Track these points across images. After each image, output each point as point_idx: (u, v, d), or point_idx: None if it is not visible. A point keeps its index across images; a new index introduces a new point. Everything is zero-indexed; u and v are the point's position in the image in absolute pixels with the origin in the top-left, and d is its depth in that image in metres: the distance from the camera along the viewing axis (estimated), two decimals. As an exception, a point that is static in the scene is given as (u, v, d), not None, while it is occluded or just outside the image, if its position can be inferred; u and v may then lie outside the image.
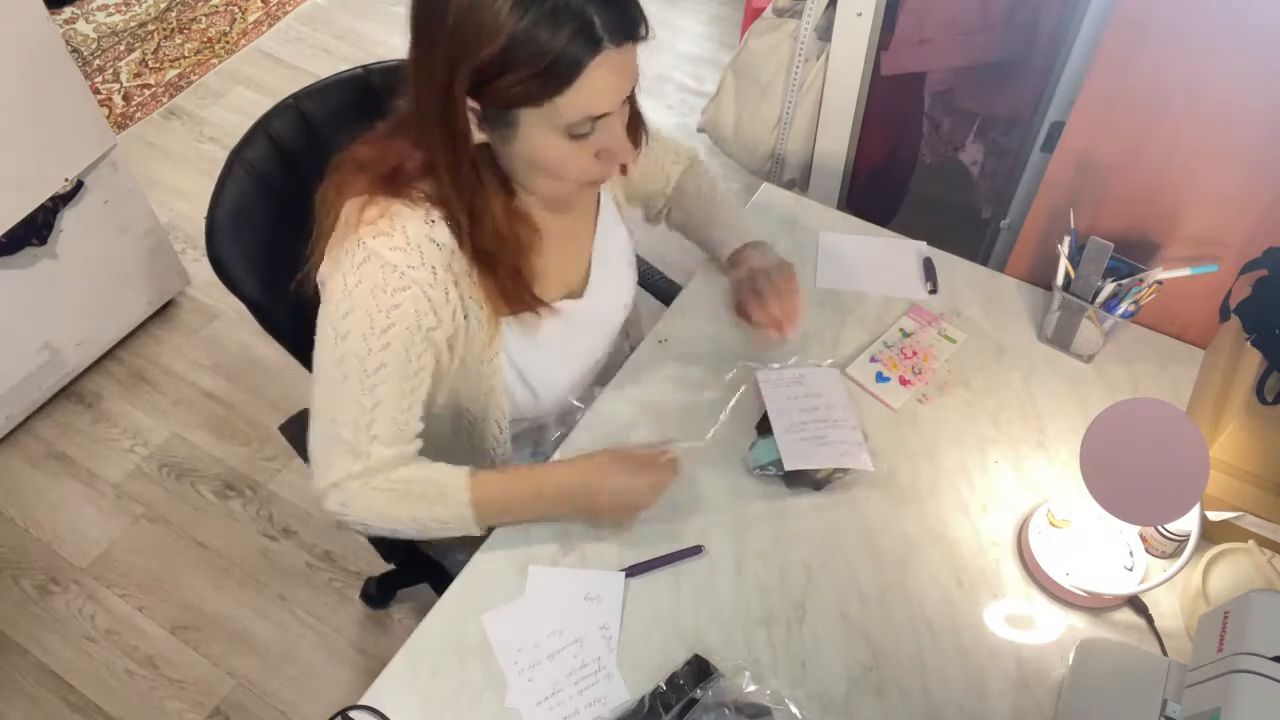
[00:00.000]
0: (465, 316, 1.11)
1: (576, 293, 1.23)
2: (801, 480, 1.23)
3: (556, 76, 0.92)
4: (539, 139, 0.98)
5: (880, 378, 1.35)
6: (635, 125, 1.10)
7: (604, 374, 1.38)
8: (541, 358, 1.21)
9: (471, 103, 0.96)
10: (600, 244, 1.25)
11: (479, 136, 1.00)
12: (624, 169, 1.06)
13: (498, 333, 1.14)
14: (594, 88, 0.94)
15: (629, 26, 0.94)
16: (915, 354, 1.38)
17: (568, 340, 1.24)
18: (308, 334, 1.30)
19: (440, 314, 1.07)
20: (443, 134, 0.99)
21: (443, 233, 1.06)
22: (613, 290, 1.29)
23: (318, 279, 1.09)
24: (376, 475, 1.09)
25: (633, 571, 1.16)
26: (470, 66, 0.92)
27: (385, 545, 1.40)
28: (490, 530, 1.19)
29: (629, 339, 1.47)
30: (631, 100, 1.05)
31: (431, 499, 1.10)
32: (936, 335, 1.40)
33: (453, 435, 1.25)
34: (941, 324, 1.41)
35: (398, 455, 1.10)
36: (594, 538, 1.19)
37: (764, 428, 1.27)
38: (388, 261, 1.03)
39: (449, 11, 0.92)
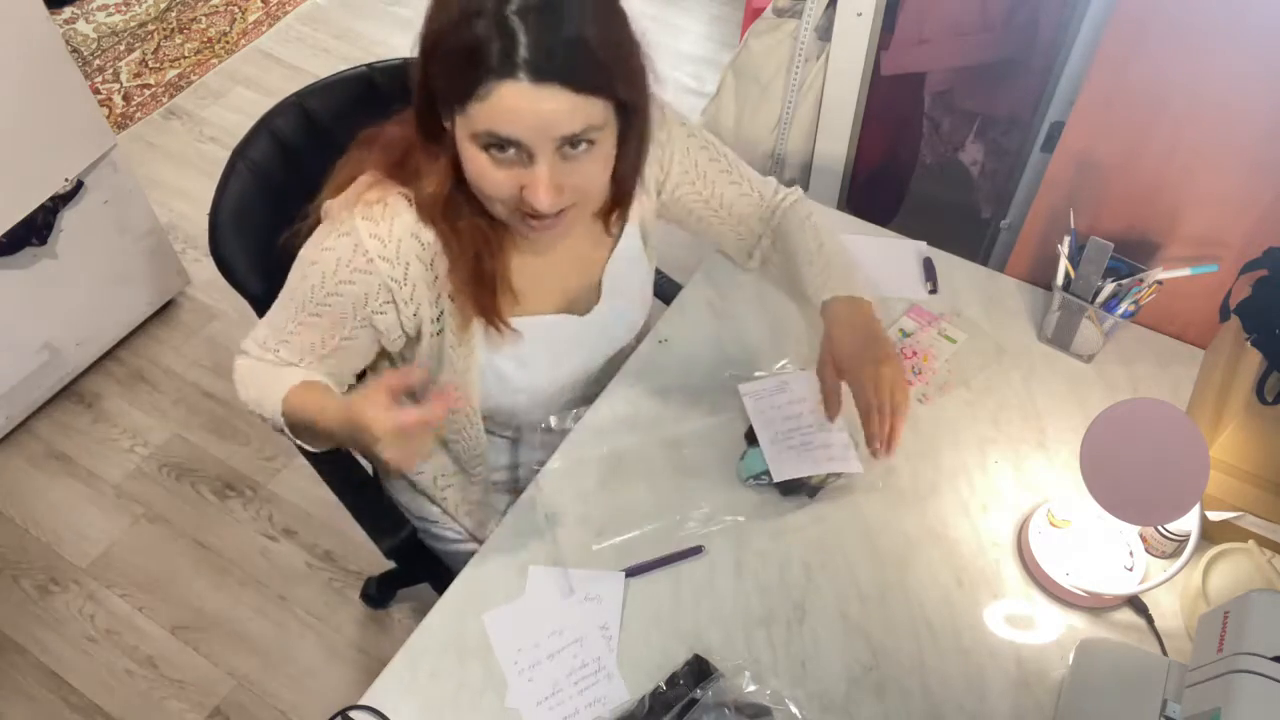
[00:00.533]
0: (441, 313, 1.13)
1: (580, 310, 1.23)
2: (795, 488, 1.23)
3: (467, 75, 0.93)
4: (462, 144, 0.99)
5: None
6: (625, 182, 1.11)
7: (596, 390, 1.37)
8: (523, 366, 1.21)
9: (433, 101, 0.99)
10: (613, 270, 1.24)
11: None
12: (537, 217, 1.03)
13: (470, 332, 1.15)
14: (502, 108, 0.92)
15: (558, 70, 0.91)
16: (915, 354, 1.38)
17: (557, 353, 1.23)
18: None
19: (401, 307, 1.10)
20: (421, 129, 1.03)
21: (428, 234, 1.08)
22: (621, 317, 1.29)
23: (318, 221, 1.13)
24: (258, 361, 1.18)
25: (633, 571, 1.16)
26: (421, 54, 0.97)
27: (387, 543, 1.39)
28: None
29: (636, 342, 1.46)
30: (620, 163, 1.05)
31: (265, 384, 1.15)
32: (936, 335, 1.40)
33: None
34: (941, 324, 1.41)
35: (282, 361, 1.16)
36: (594, 537, 1.19)
37: (752, 437, 1.27)
38: (361, 244, 1.06)
39: (428, 14, 0.96)
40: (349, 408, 1.01)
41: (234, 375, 1.20)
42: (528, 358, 1.20)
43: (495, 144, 0.96)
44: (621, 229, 1.23)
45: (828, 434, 1.25)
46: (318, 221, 1.12)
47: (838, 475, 1.23)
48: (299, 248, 1.13)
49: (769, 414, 1.28)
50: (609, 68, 0.95)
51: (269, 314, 1.17)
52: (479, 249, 1.09)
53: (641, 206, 1.24)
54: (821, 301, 1.24)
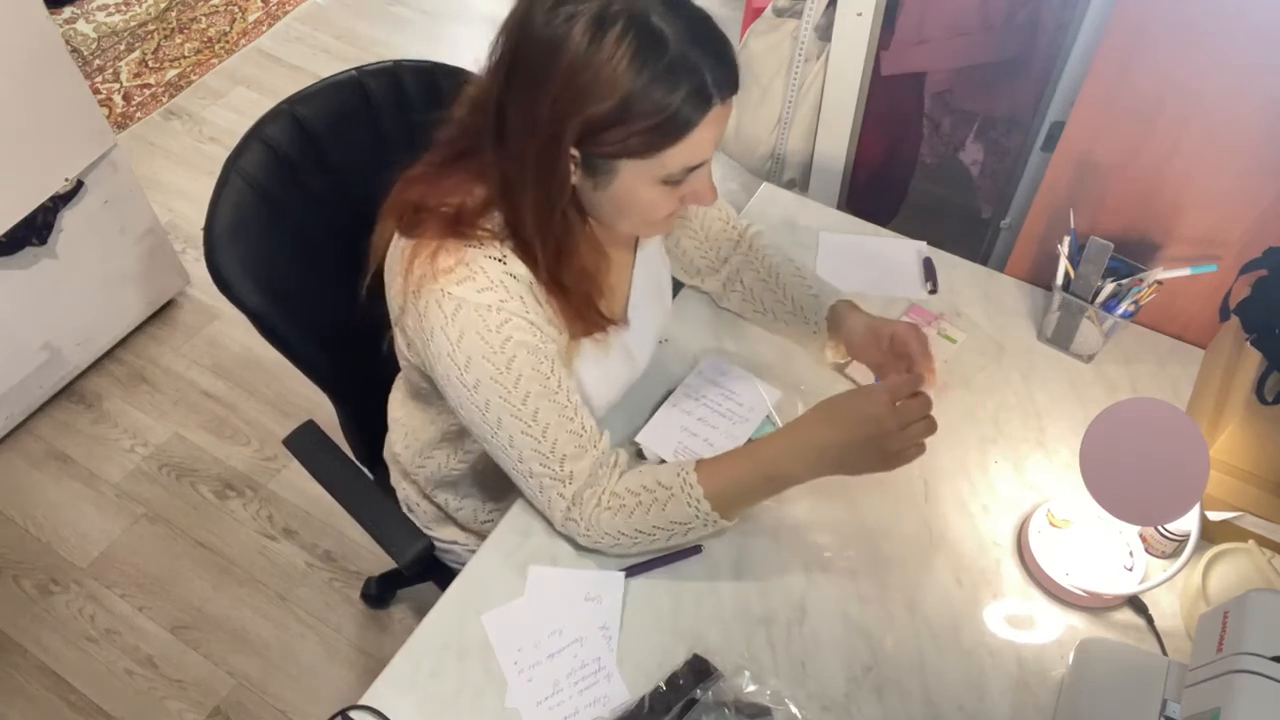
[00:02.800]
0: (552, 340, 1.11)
1: (622, 317, 1.23)
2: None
3: (669, 133, 0.94)
4: (636, 187, 0.99)
5: (878, 379, 1.34)
6: None
7: (636, 397, 1.35)
8: (604, 378, 1.21)
9: (573, 150, 0.96)
10: (640, 272, 1.24)
11: (574, 179, 0.99)
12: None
13: (573, 357, 1.14)
14: (700, 141, 0.96)
15: (734, 80, 0.95)
16: (915, 354, 1.37)
17: (618, 361, 1.23)
18: (308, 342, 1.30)
19: (545, 332, 1.06)
20: (540, 179, 0.98)
21: (517, 266, 1.04)
22: (652, 315, 1.29)
23: (400, 328, 1.10)
24: (598, 493, 1.09)
25: (632, 571, 1.16)
26: (581, 119, 0.92)
27: (407, 559, 1.37)
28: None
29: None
30: None
31: (662, 502, 1.08)
32: (936, 335, 1.40)
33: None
34: (941, 324, 1.41)
35: (596, 460, 1.08)
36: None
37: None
38: (480, 303, 1.02)
39: (560, 61, 0.90)
40: (829, 414, 1.03)
41: (595, 543, 1.11)
42: (606, 372, 1.20)
43: (677, 176, 0.98)
44: None
45: (714, 438, 1.24)
46: (401, 312, 1.09)
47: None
48: (387, 344, 1.12)
49: (698, 390, 1.29)
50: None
51: (517, 461, 1.07)
52: (588, 272, 1.08)
53: None
54: (829, 306, 1.30)
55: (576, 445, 1.07)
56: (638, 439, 1.25)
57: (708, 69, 0.92)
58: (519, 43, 0.94)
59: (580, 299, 1.09)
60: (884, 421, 1.01)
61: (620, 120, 0.92)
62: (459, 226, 1.03)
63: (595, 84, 0.90)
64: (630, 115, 0.92)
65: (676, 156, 0.96)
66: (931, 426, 1.03)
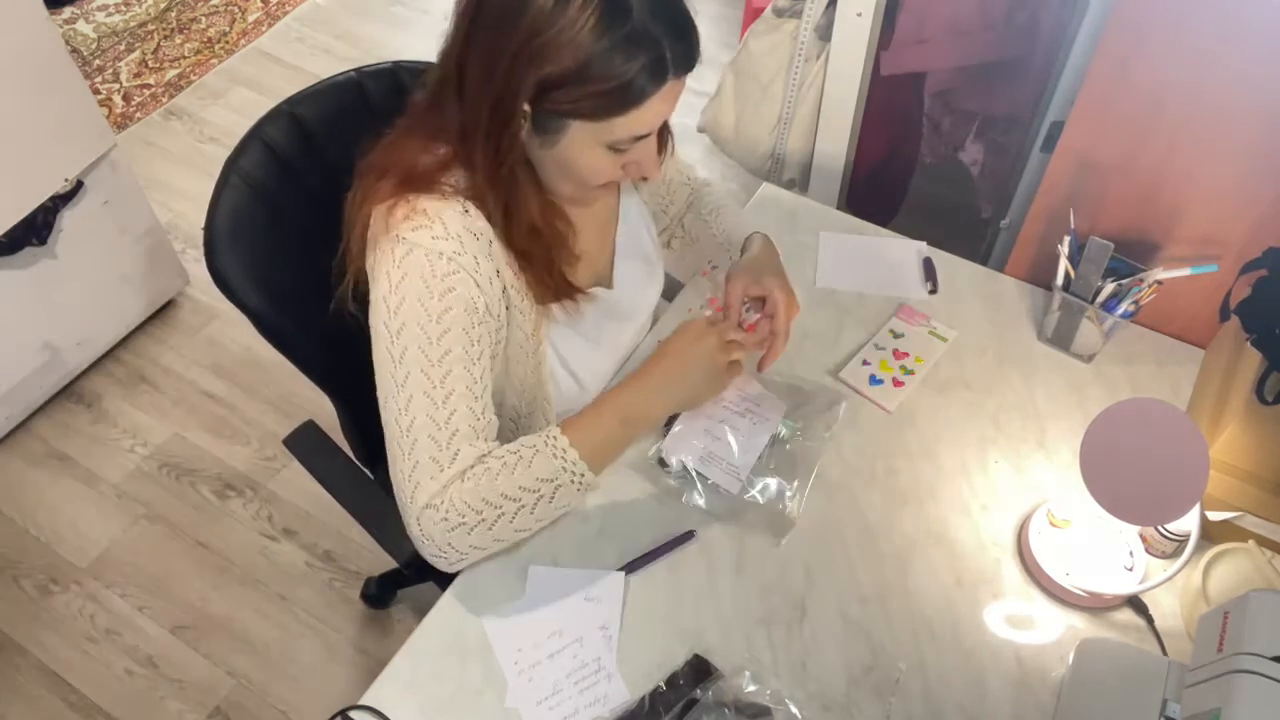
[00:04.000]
0: (507, 307, 1.11)
1: (606, 282, 1.25)
2: (668, 469, 1.23)
3: (622, 101, 0.96)
4: (582, 149, 1.01)
5: (873, 380, 1.34)
6: (663, 134, 1.14)
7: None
8: (583, 345, 1.22)
9: (525, 106, 0.97)
10: (623, 233, 1.26)
11: (524, 132, 1.00)
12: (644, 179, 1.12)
13: (542, 320, 1.15)
14: (650, 113, 0.98)
15: (692, 59, 0.98)
16: (907, 354, 1.37)
17: (604, 328, 1.25)
18: (309, 342, 1.30)
19: (490, 300, 1.06)
20: (490, 132, 0.99)
21: (479, 223, 1.05)
22: (640, 280, 1.30)
23: (363, 291, 1.09)
24: (465, 474, 1.03)
25: (631, 567, 1.16)
26: (538, 76, 0.94)
27: (405, 554, 1.36)
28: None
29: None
30: None
31: (528, 459, 1.03)
32: (927, 334, 1.40)
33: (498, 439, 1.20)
34: (931, 322, 1.41)
35: (482, 453, 1.04)
36: (594, 535, 1.19)
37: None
38: (432, 249, 1.02)
39: (524, 17, 0.92)
40: (664, 350, 1.12)
41: (448, 526, 1.01)
42: (587, 335, 1.21)
43: (624, 144, 1.00)
44: (619, 186, 1.26)
45: (736, 442, 1.24)
46: (354, 278, 1.09)
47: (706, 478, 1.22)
48: (350, 314, 1.09)
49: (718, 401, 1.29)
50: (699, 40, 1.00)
51: (406, 426, 1.00)
52: (539, 233, 1.09)
53: None
54: (746, 236, 1.34)
55: (471, 427, 1.02)
56: (662, 447, 1.24)
57: (668, 44, 0.94)
58: None
59: (539, 262, 1.10)
60: (705, 337, 1.12)
61: (576, 81, 0.94)
62: (419, 181, 1.04)
63: (556, 44, 0.92)
64: (586, 78, 0.93)
65: (625, 125, 0.98)
66: (745, 344, 1.16)
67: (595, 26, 0.91)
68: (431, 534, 1.02)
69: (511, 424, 1.25)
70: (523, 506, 1.04)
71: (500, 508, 1.03)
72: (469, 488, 1.02)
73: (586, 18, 0.91)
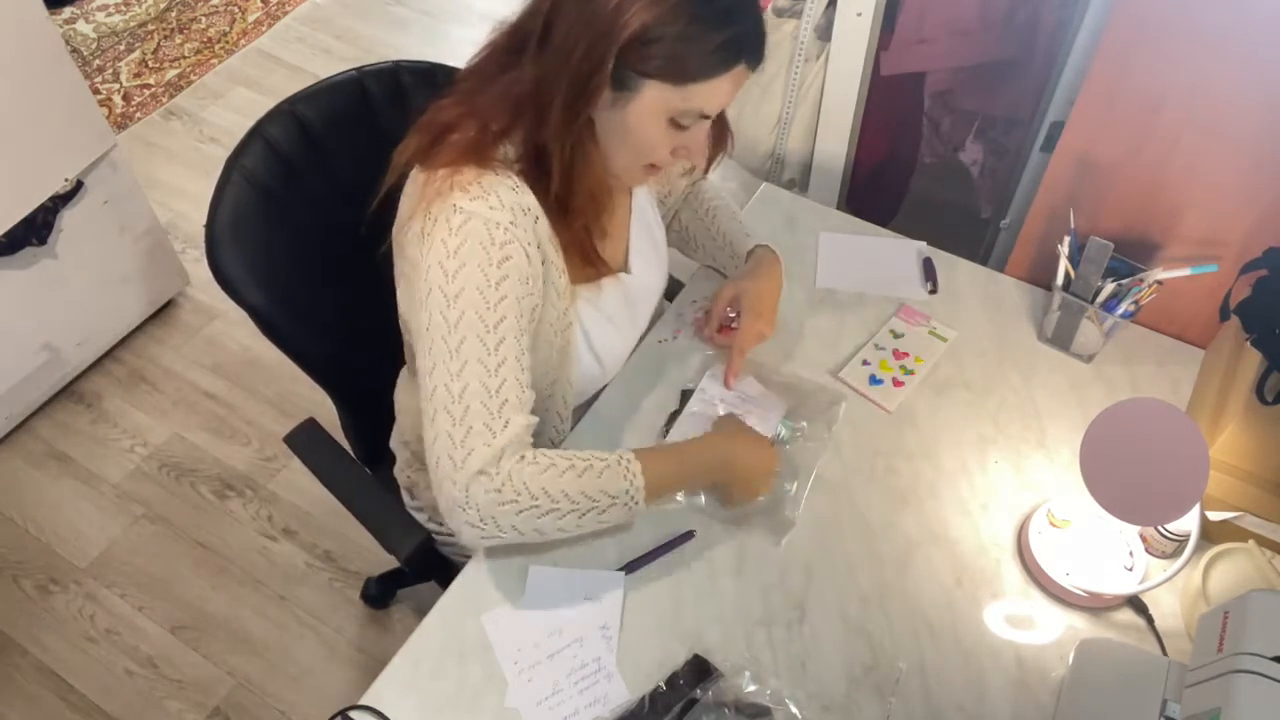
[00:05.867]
0: (544, 282, 1.11)
1: (623, 267, 1.26)
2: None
3: (702, 67, 0.99)
4: (650, 114, 1.02)
5: (873, 380, 1.34)
6: (723, 133, 1.17)
7: (645, 352, 1.40)
8: (606, 327, 1.23)
9: (613, 57, 0.98)
10: (636, 220, 1.27)
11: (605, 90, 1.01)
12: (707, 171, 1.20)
13: (574, 299, 1.16)
14: (720, 90, 1.01)
15: (761, 55, 1.03)
16: (907, 355, 1.37)
17: (625, 309, 1.27)
18: (310, 340, 1.30)
19: (535, 273, 1.08)
20: (573, 85, 1.00)
21: (528, 199, 1.06)
22: (650, 265, 1.31)
23: (401, 243, 1.10)
24: (524, 448, 1.03)
25: (631, 567, 1.16)
26: (636, 26, 0.96)
27: (405, 552, 1.36)
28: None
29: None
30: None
31: (598, 470, 1.05)
32: (927, 334, 1.40)
33: None
34: (931, 323, 1.41)
35: (527, 426, 1.04)
36: (594, 536, 1.19)
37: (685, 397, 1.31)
38: (490, 219, 1.03)
39: None
40: (749, 453, 1.18)
41: (501, 500, 1.00)
42: (607, 320, 1.23)
43: (688, 119, 1.03)
44: None
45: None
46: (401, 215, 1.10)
47: None
48: (383, 245, 1.11)
49: (715, 394, 1.30)
50: None
51: (458, 391, 1.00)
52: (595, 198, 1.10)
53: None
54: (748, 248, 1.37)
55: (518, 397, 1.03)
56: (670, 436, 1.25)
57: (749, 28, 1.00)
58: None
59: (581, 230, 1.12)
60: (769, 478, 1.21)
61: (668, 39, 0.97)
62: (477, 153, 1.05)
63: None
64: (679, 36, 0.96)
65: (698, 94, 1.01)
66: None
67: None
68: (479, 501, 1.00)
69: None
70: (575, 509, 1.04)
71: (557, 503, 1.03)
72: (530, 472, 1.01)
73: None
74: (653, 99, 1.01)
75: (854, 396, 1.33)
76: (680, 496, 1.22)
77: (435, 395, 1.02)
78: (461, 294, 1.01)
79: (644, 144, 1.06)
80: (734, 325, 1.32)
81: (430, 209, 1.04)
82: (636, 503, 1.08)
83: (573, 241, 1.12)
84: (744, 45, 1.00)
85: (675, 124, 1.04)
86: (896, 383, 1.34)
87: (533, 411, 1.06)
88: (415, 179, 1.10)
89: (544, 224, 1.08)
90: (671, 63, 0.98)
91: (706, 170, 1.23)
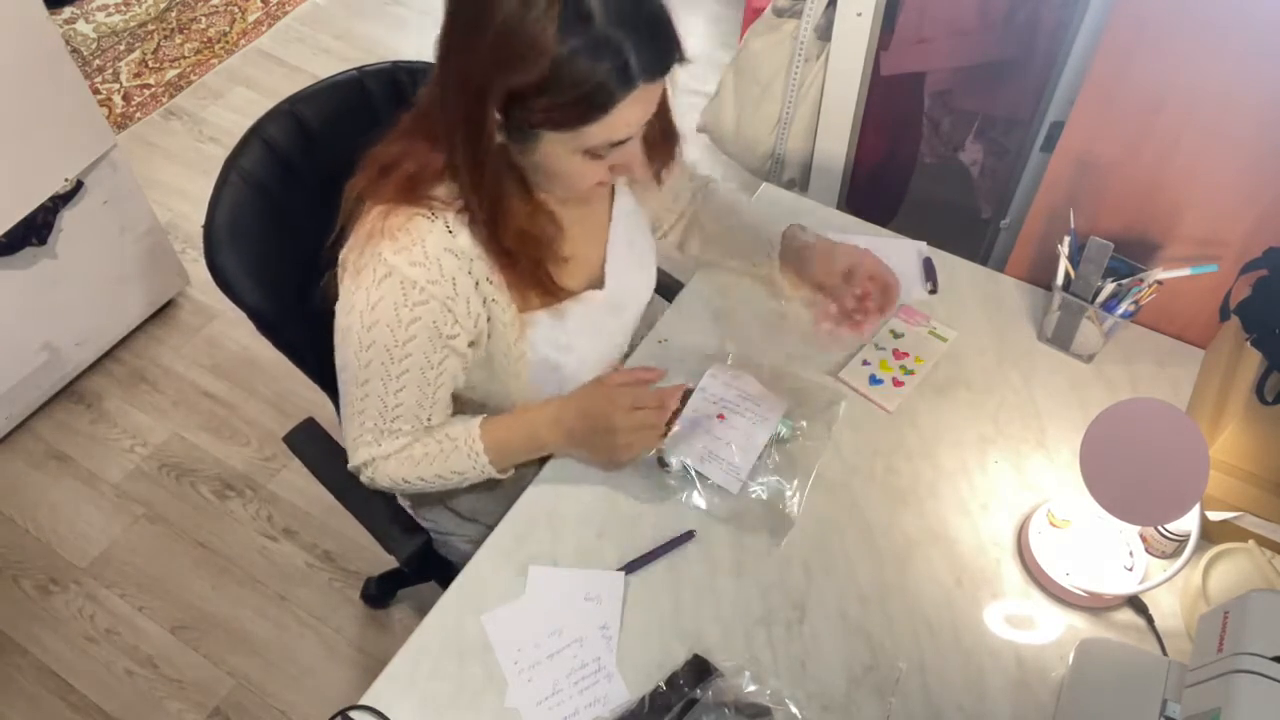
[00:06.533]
0: (489, 319, 1.13)
1: (598, 283, 1.25)
2: (668, 469, 1.24)
3: (589, 109, 0.95)
4: (558, 156, 1.01)
5: (873, 380, 1.34)
6: (669, 135, 1.15)
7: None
8: (572, 347, 1.22)
9: (497, 115, 0.97)
10: (615, 232, 1.26)
11: (499, 140, 1.00)
12: (659, 180, 1.19)
13: (524, 330, 1.16)
14: (622, 119, 0.97)
15: (664, 61, 0.97)
16: (907, 355, 1.37)
17: (595, 329, 1.26)
18: (309, 341, 1.30)
19: (462, 323, 1.10)
20: (468, 139, 1.00)
21: (463, 241, 1.07)
22: (632, 277, 1.30)
23: (344, 264, 1.11)
24: (393, 455, 1.18)
25: (631, 567, 1.16)
26: (506, 85, 0.93)
27: (404, 553, 1.38)
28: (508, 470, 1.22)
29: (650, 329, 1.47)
30: (663, 110, 1.09)
31: (448, 453, 1.17)
32: (927, 335, 1.40)
33: None
34: (931, 323, 1.41)
35: (410, 442, 1.18)
36: (594, 537, 1.19)
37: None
38: (407, 277, 1.05)
39: (491, 22, 0.91)
40: (580, 400, 1.15)
41: (376, 485, 1.22)
42: (573, 340, 1.22)
43: (602, 150, 1.00)
44: (613, 188, 1.27)
45: (736, 441, 1.24)
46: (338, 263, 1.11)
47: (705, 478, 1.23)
48: (332, 292, 1.12)
49: (715, 395, 1.29)
50: (678, 40, 0.98)
51: (359, 408, 1.15)
52: (527, 236, 1.09)
53: None
54: (779, 230, 1.37)
55: (411, 427, 1.17)
56: (662, 447, 1.23)
57: (632, 49, 0.92)
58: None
59: (526, 265, 1.11)
60: (612, 417, 1.13)
61: (542, 92, 0.93)
62: (413, 191, 1.06)
63: (520, 53, 0.91)
64: (552, 88, 0.93)
65: (597, 132, 0.97)
66: (658, 418, 1.15)
67: (557, 33, 0.90)
68: (371, 482, 1.22)
69: None
70: (444, 482, 1.20)
71: (425, 481, 1.20)
72: (393, 466, 1.18)
73: (547, 24, 0.90)
74: (554, 146, 0.99)
75: (854, 397, 1.33)
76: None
77: (347, 401, 1.17)
78: (373, 346, 1.09)
79: (570, 178, 1.04)
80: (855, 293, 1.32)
81: (364, 249, 1.07)
82: (489, 472, 1.19)
83: (522, 275, 1.11)
84: (626, 70, 0.93)
85: (592, 155, 1.01)
86: (896, 383, 1.34)
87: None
88: (366, 209, 1.10)
89: (482, 264, 1.09)
90: (554, 115, 0.95)
91: (659, 178, 1.20)
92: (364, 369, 1.11)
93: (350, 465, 1.21)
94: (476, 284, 1.10)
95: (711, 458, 1.23)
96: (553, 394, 1.24)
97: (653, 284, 1.36)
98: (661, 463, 1.24)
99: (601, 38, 0.91)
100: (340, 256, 1.12)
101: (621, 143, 1.00)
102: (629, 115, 0.97)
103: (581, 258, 1.22)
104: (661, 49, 0.96)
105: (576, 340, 1.22)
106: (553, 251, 1.13)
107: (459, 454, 1.17)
